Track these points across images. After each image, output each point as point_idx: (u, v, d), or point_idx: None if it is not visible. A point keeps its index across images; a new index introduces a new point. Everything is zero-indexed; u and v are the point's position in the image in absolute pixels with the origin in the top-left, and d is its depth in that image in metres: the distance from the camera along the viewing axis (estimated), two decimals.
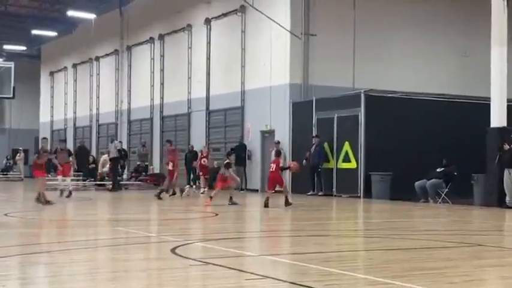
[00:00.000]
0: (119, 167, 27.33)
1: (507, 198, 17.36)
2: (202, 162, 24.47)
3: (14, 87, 27.41)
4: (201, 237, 10.90)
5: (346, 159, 22.21)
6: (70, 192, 20.34)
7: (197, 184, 25.87)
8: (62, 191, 20.49)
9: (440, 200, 19.05)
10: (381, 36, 25.58)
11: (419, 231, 12.17)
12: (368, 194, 21.09)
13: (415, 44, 26.21)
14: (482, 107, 18.88)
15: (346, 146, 22.18)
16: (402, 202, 19.44)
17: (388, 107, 21.82)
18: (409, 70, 25.74)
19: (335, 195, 22.17)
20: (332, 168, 22.69)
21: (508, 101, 18.15)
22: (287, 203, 16.95)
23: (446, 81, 25.92)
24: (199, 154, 25.40)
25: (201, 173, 24.61)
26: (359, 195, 21.38)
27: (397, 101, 22.17)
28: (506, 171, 17.35)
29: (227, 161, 18.77)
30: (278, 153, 18.29)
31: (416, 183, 19.68)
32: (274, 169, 17.36)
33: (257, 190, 25.78)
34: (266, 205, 16.57)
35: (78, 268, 7.49)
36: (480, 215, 16.41)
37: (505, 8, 17.73)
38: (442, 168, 19.38)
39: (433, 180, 19.35)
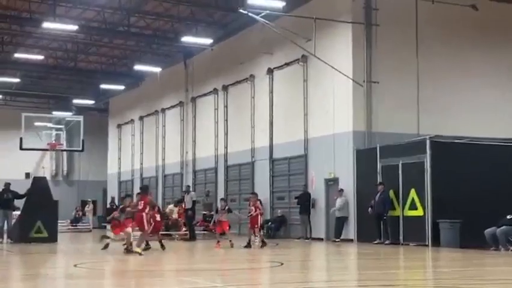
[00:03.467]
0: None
1: None
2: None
3: (83, 141, 28.05)
4: (266, 287, 10.76)
5: (413, 207, 21.78)
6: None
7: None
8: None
9: (511, 248, 18.41)
10: (445, 82, 25.27)
11: (491, 281, 11.73)
12: (436, 242, 20.56)
13: (482, 89, 25.77)
14: None
15: (412, 193, 21.78)
16: (472, 250, 18.88)
17: (454, 153, 21.41)
18: (477, 116, 25.28)
19: (402, 244, 21.70)
20: (398, 216, 22.27)
21: None
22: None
23: None
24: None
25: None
26: (427, 243, 20.87)
27: (463, 146, 21.74)
28: None
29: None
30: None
31: (486, 231, 19.10)
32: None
33: (322, 239, 25.49)
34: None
35: None
36: None
37: None
38: None
39: (504, 227, 18.75)
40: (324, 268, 15.41)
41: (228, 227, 21.70)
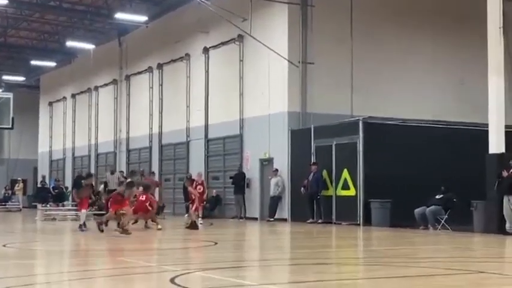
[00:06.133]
0: None
1: (507, 225, 17.28)
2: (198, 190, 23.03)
3: (13, 118, 27.32)
4: (200, 266, 10.82)
5: (345, 187, 22.17)
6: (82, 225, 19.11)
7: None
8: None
9: (440, 227, 18.97)
10: (379, 64, 25.68)
11: (420, 259, 12.08)
12: (368, 221, 21.01)
13: (413, 73, 26.31)
14: (480, 134, 18.89)
15: (345, 174, 22.16)
16: (402, 229, 19.36)
17: (386, 134, 21.84)
18: (407, 98, 25.81)
19: (334, 223, 22.09)
20: (331, 196, 22.64)
21: (506, 127, 18.16)
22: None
23: (444, 108, 25.95)
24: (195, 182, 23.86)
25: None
26: (358, 222, 21.30)
27: (395, 128, 22.19)
28: (505, 198, 17.29)
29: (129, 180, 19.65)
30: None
31: (416, 210, 19.61)
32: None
33: (256, 218, 25.69)
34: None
35: None
36: (480, 241, 16.34)
37: (501, 39, 17.87)
38: (441, 195, 19.33)
39: (433, 207, 19.28)
40: (258, 247, 15.55)
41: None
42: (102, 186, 29.41)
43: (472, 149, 20.08)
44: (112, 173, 25.78)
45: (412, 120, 22.96)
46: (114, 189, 24.28)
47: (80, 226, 18.72)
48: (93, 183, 23.35)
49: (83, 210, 19.10)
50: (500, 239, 16.39)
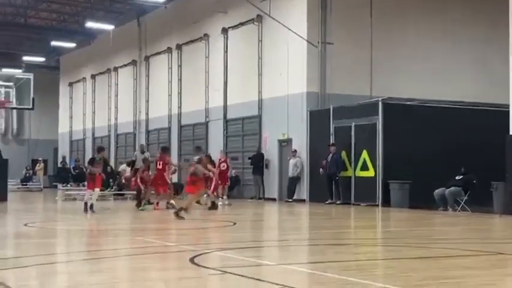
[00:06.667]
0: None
1: None
2: (222, 167, 22.82)
3: (33, 99, 27.50)
4: (219, 246, 10.88)
5: (364, 168, 22.10)
6: (88, 205, 18.25)
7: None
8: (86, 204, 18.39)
9: (459, 208, 18.88)
10: (398, 44, 25.50)
11: (439, 240, 12.06)
12: (386, 202, 20.96)
13: (433, 53, 26.08)
14: (502, 115, 18.72)
15: (364, 155, 22.09)
16: (421, 210, 19.30)
17: (406, 115, 21.72)
18: (427, 78, 25.60)
19: (353, 204, 22.06)
20: (350, 177, 22.60)
21: None
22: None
23: (464, 88, 25.73)
24: (217, 161, 23.45)
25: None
26: (377, 203, 21.26)
27: (415, 108, 22.07)
28: None
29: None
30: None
31: (436, 192, 19.52)
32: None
33: (275, 199, 25.74)
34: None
35: (98, 278, 7.49)
36: (500, 223, 16.25)
37: None
38: (461, 176, 19.22)
39: (452, 188, 19.18)
40: (276, 227, 15.60)
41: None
42: (123, 166, 29.63)
43: (493, 130, 19.90)
44: (142, 152, 25.31)
45: (432, 101, 22.79)
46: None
47: (86, 206, 17.71)
48: (106, 158, 22.88)
49: (96, 189, 18.16)
50: None
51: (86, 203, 18.24)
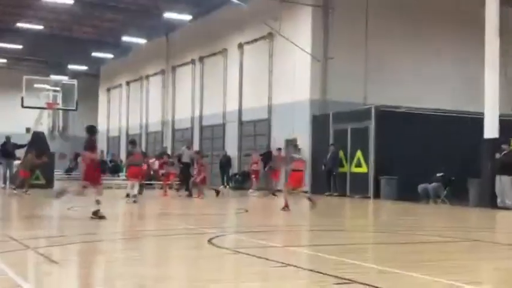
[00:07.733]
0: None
1: (498, 200, 17.08)
2: (254, 167, 24.07)
3: (77, 101, 27.65)
4: (233, 229, 10.87)
5: (358, 165, 22.05)
6: (132, 195, 17.35)
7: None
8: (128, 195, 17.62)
9: (440, 201, 18.80)
10: (390, 59, 25.38)
11: (423, 228, 12.00)
12: (377, 195, 20.90)
13: (419, 67, 25.95)
14: (477, 121, 18.60)
15: (358, 154, 22.03)
16: (407, 202, 19.21)
17: (395, 120, 21.61)
18: (414, 88, 25.44)
19: (348, 196, 22.02)
20: (346, 172, 22.54)
21: (500, 115, 17.86)
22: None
23: (446, 98, 25.54)
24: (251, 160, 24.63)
25: (253, 176, 24.18)
26: (369, 196, 21.20)
27: (403, 114, 21.96)
28: (497, 177, 17.09)
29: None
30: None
31: (419, 186, 19.48)
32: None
33: (281, 191, 25.61)
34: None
35: (130, 254, 7.51)
36: (475, 214, 16.16)
37: (497, 35, 17.55)
38: (441, 174, 19.14)
39: (434, 183, 19.14)
40: (283, 215, 15.55)
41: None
42: (153, 159, 29.49)
43: (469, 134, 19.75)
44: (188, 148, 23.41)
45: (418, 108, 22.66)
46: (187, 163, 22.13)
47: (128, 196, 17.09)
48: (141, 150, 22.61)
49: (135, 182, 17.31)
50: (492, 213, 16.19)
51: (128, 194, 17.37)
